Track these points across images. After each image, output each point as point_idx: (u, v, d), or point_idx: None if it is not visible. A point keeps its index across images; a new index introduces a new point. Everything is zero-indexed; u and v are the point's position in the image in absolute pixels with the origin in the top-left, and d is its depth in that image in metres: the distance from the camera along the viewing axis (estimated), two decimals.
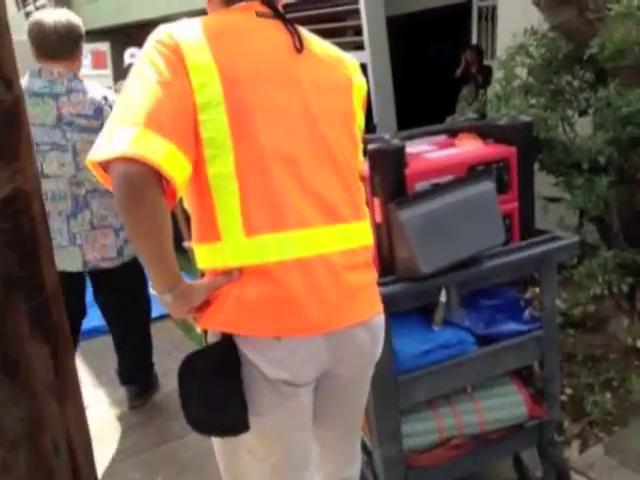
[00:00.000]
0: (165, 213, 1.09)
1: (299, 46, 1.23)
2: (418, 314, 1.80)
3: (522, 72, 2.72)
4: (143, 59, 1.14)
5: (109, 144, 1.05)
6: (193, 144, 1.12)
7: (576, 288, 2.66)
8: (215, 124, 1.13)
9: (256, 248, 1.15)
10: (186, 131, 1.10)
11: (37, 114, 2.25)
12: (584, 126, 2.59)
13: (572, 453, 2.24)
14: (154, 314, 2.93)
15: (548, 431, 1.97)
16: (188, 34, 1.15)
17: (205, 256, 1.21)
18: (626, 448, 2.19)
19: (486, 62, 6.36)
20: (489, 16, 6.96)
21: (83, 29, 2.43)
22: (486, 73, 6.11)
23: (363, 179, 1.41)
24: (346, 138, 1.27)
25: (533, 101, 2.50)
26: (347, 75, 1.32)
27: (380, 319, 1.33)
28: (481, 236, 1.66)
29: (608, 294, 2.59)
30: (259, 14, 1.24)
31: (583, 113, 2.62)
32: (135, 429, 2.70)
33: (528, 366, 1.97)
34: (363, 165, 1.43)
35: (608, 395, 2.43)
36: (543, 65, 2.61)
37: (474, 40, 7.16)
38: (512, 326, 1.87)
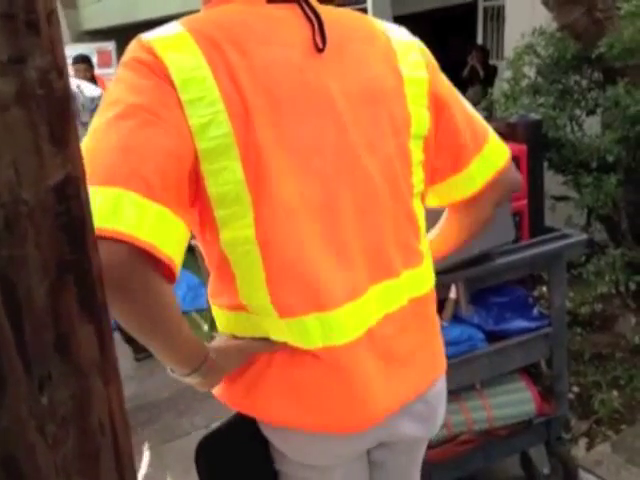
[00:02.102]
0: (165, 299, 0.80)
1: (321, 43, 0.88)
2: None
3: (530, 72, 2.73)
4: (115, 85, 0.83)
5: None
6: (188, 205, 0.83)
7: (583, 287, 2.67)
8: (227, 176, 0.82)
9: (295, 332, 0.89)
10: (178, 187, 0.80)
11: None
12: (592, 125, 2.60)
13: (579, 451, 2.24)
14: None
15: (556, 428, 1.98)
16: (176, 46, 0.81)
17: (231, 323, 0.96)
18: (633, 446, 2.20)
19: (491, 62, 6.37)
20: (494, 16, 6.98)
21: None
22: (491, 73, 6.13)
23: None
24: (396, 159, 0.95)
25: (542, 100, 2.50)
26: (395, 67, 0.95)
27: (440, 385, 1.08)
28: (491, 233, 1.66)
29: (615, 293, 2.60)
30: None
31: (591, 112, 2.63)
32: (144, 425, 2.72)
33: (537, 363, 1.98)
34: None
35: (615, 393, 2.44)
36: (551, 65, 2.62)
37: (479, 40, 7.17)
38: (521, 323, 1.88)
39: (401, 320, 0.97)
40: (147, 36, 0.84)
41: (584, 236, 1.79)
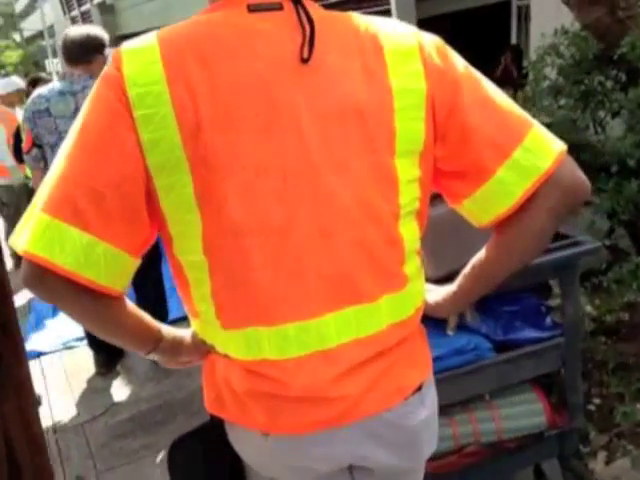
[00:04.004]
0: (94, 312, 0.89)
1: (307, 53, 0.85)
2: (431, 318, 1.77)
3: (552, 73, 2.65)
4: (87, 99, 0.87)
5: (23, 231, 0.84)
6: (142, 224, 0.87)
7: (609, 294, 2.58)
8: (176, 191, 0.84)
9: (235, 344, 0.93)
10: (122, 211, 0.83)
11: (61, 108, 2.74)
12: (616, 128, 2.51)
13: (597, 465, 2.16)
14: (172, 316, 2.98)
15: (570, 442, 1.91)
16: (141, 60, 0.83)
17: (195, 327, 1.03)
18: None
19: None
20: (529, 15, 6.84)
21: (105, 38, 2.90)
22: (525, 73, 6.00)
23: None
24: (371, 180, 0.89)
25: (562, 102, 2.43)
26: (381, 79, 0.89)
27: (418, 412, 1.01)
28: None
29: None
30: (253, 8, 0.87)
31: (616, 114, 2.54)
32: (158, 426, 2.75)
33: (550, 374, 1.92)
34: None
35: (638, 406, 2.34)
36: (573, 65, 2.54)
37: (513, 40, 7.04)
38: (531, 333, 1.82)
39: (374, 345, 0.94)
40: (124, 45, 0.87)
41: (597, 244, 1.73)
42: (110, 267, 0.84)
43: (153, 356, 1.03)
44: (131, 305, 0.95)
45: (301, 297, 0.90)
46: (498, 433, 1.81)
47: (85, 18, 14.44)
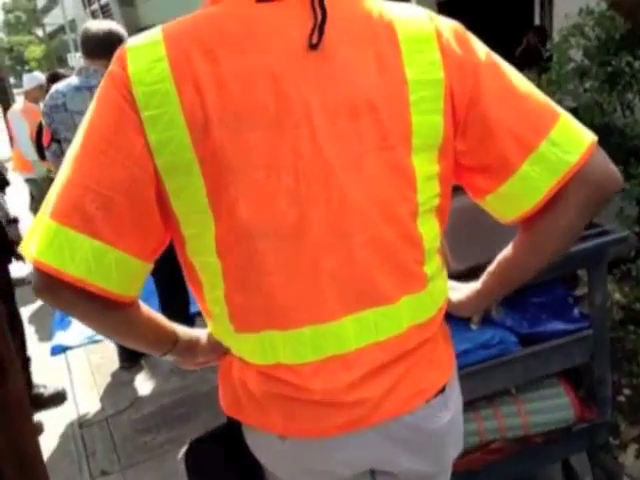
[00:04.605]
0: (109, 320, 0.88)
1: (316, 39, 0.81)
2: None
3: (577, 54, 2.57)
4: (93, 99, 0.84)
5: (31, 238, 0.82)
6: (154, 228, 0.85)
7: (637, 282, 2.51)
8: (188, 193, 0.82)
9: (249, 347, 0.90)
10: (133, 215, 0.81)
11: (77, 104, 2.72)
12: None
13: (628, 458, 2.11)
14: (192, 310, 2.98)
15: (599, 435, 1.86)
16: (146, 57, 0.80)
17: (210, 326, 1.01)
18: None
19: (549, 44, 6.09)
20: None
21: (124, 35, 2.83)
22: (548, 56, 5.84)
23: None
24: (387, 177, 0.85)
25: (587, 85, 2.35)
26: (396, 70, 0.84)
27: (440, 415, 0.97)
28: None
29: None
30: None
31: None
32: (182, 420, 2.76)
33: (578, 366, 1.87)
34: None
35: None
36: (599, 46, 2.45)
37: (536, 21, 6.86)
38: (559, 325, 1.77)
39: (394, 348, 0.91)
40: (129, 43, 0.84)
41: (624, 233, 1.66)
42: (122, 274, 0.82)
43: (169, 357, 1.02)
44: (145, 308, 0.94)
45: (317, 300, 0.86)
46: (525, 428, 1.76)
47: (105, 11, 14.51)
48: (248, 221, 0.82)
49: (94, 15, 15.08)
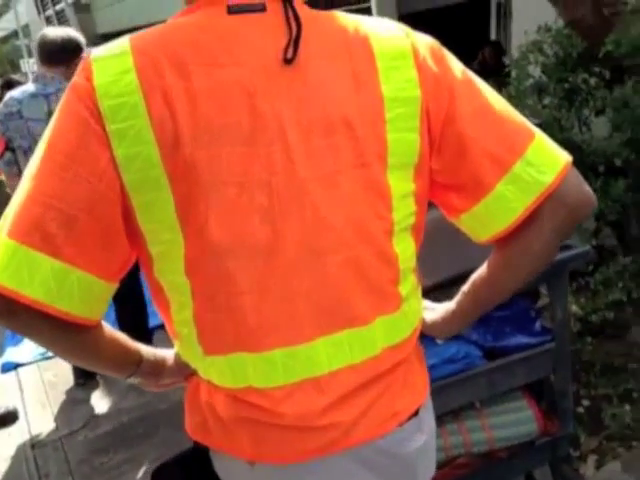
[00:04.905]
0: (82, 346, 0.85)
1: (291, 53, 0.78)
2: None
3: (535, 71, 2.62)
4: (56, 112, 0.80)
5: None
6: (120, 247, 0.81)
7: (594, 294, 2.56)
8: (156, 210, 0.78)
9: (218, 370, 0.87)
10: (97, 234, 0.77)
11: (33, 111, 2.68)
12: (601, 126, 2.48)
13: (588, 469, 2.14)
14: (152, 324, 2.89)
15: (561, 448, 1.88)
16: (113, 69, 0.76)
17: (174, 343, 0.97)
18: None
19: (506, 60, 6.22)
20: (508, 12, 6.82)
21: (83, 42, 2.83)
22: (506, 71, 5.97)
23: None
24: (362, 195, 0.83)
25: (546, 101, 2.40)
26: (372, 87, 0.82)
27: (414, 440, 0.94)
28: (487, 248, 1.58)
29: (627, 301, 2.49)
30: (233, 9, 0.80)
31: (600, 112, 2.51)
32: (140, 439, 2.67)
33: (540, 380, 1.89)
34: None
35: (627, 407, 2.32)
36: (557, 63, 2.51)
37: (493, 36, 7.01)
38: (522, 339, 1.79)
39: (369, 371, 0.88)
40: (94, 53, 0.79)
41: (585, 248, 1.69)
42: (85, 296, 0.78)
43: (133, 380, 0.97)
44: (108, 329, 0.89)
45: (289, 321, 0.83)
46: (489, 442, 1.77)
47: (60, 17, 14.19)
48: (219, 239, 0.79)
49: (49, 21, 14.74)
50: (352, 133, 0.81)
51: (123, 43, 0.79)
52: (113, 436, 2.73)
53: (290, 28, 0.80)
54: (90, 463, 2.58)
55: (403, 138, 0.84)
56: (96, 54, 0.79)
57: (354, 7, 4.32)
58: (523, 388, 1.85)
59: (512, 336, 1.78)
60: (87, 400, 3.06)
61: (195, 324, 0.85)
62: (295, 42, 0.79)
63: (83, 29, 11.62)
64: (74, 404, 3.05)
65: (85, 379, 3.16)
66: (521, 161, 0.84)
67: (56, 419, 2.95)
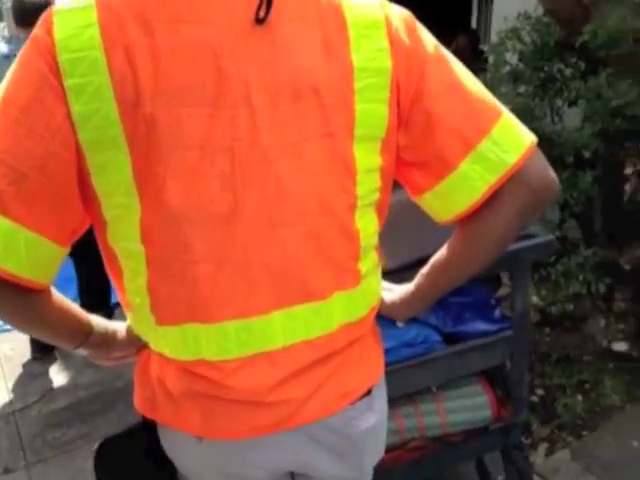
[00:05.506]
0: (28, 311, 0.81)
1: (263, 13, 0.75)
2: None
3: (513, 58, 2.60)
4: (13, 65, 0.77)
5: None
6: (72, 209, 0.78)
7: (555, 285, 2.58)
8: (112, 171, 0.75)
9: (170, 341, 0.84)
10: (48, 193, 0.74)
11: (5, 71, 2.53)
12: (573, 117, 2.48)
13: (538, 457, 2.17)
14: (114, 300, 2.84)
15: (513, 435, 1.89)
16: (75, 22, 0.72)
17: (130, 320, 0.94)
18: (592, 454, 2.13)
19: (484, 47, 6.19)
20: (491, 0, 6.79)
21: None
22: (482, 59, 5.95)
23: None
24: (327, 166, 0.81)
25: (521, 89, 2.38)
26: (342, 55, 0.80)
27: (364, 418, 0.94)
28: (448, 231, 1.56)
29: (587, 293, 2.52)
30: None
31: (573, 103, 2.51)
32: (96, 415, 2.63)
33: (497, 367, 1.89)
34: None
35: (579, 398, 2.37)
36: (535, 51, 2.49)
37: (473, 25, 6.98)
38: (481, 325, 1.78)
39: (324, 347, 0.87)
40: (57, 5, 0.75)
41: (548, 237, 1.68)
42: (33, 258, 0.75)
43: (82, 351, 0.94)
44: (58, 297, 0.85)
45: (245, 293, 0.81)
46: (443, 427, 1.77)
47: None
48: (176, 204, 0.76)
49: None
50: (320, 101, 0.79)
51: None
52: (68, 411, 2.67)
53: None
54: (43, 437, 2.52)
55: (371, 109, 0.82)
56: (59, 6, 0.75)
57: None
58: (479, 374, 1.85)
59: (471, 322, 1.77)
60: (43, 374, 2.98)
61: (148, 293, 0.82)
62: (268, 2, 0.75)
63: None
64: (30, 378, 2.97)
65: (42, 353, 3.05)
66: (486, 139, 0.83)
67: (11, 393, 2.87)
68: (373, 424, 0.95)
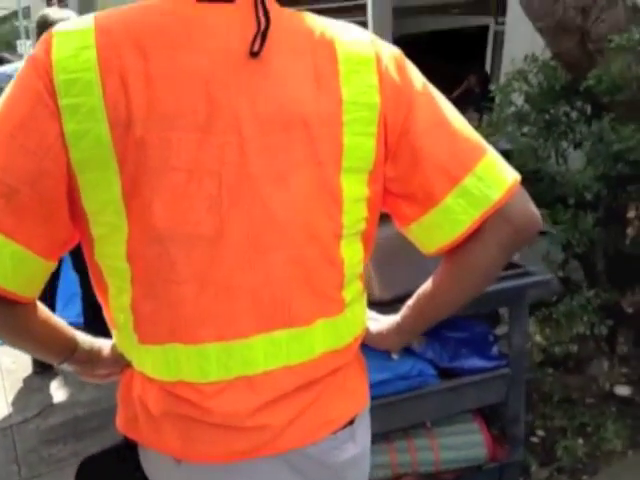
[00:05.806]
0: (12, 324, 0.83)
1: (257, 47, 0.78)
2: None
3: (519, 99, 2.64)
4: (11, 82, 0.79)
5: None
6: (61, 225, 0.79)
7: (558, 325, 2.57)
8: (101, 191, 0.76)
9: (152, 361, 0.84)
10: (38, 208, 0.76)
11: None
12: (577, 160, 2.51)
13: None
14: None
15: (509, 475, 1.88)
16: (73, 44, 0.75)
17: (115, 338, 0.94)
18: None
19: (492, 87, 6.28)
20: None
21: None
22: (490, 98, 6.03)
23: None
24: (314, 195, 0.82)
25: (526, 130, 2.41)
26: (332, 88, 0.82)
27: (346, 449, 0.92)
28: None
29: (590, 334, 2.50)
30: None
31: (578, 146, 2.53)
32: (92, 433, 2.61)
33: (493, 405, 1.88)
34: None
35: (580, 441, 2.32)
36: (541, 93, 2.53)
37: (488, 65, 7.10)
38: (477, 362, 1.79)
39: (305, 374, 0.87)
40: (58, 27, 0.78)
41: (548, 276, 1.70)
42: (19, 271, 0.76)
43: (66, 367, 0.95)
44: (43, 310, 0.87)
45: (227, 315, 0.81)
46: (436, 464, 1.76)
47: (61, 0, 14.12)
48: (162, 225, 0.77)
49: (49, 3, 14.66)
50: (309, 132, 0.81)
51: (88, 20, 0.78)
52: (65, 428, 2.66)
53: (259, 22, 0.79)
54: (38, 453, 2.52)
55: (359, 142, 0.84)
56: (59, 28, 0.78)
57: (351, 3, 4.30)
58: (475, 412, 1.85)
59: (468, 358, 1.77)
60: (44, 389, 2.98)
61: (132, 311, 0.83)
62: (263, 35, 0.78)
63: (83, 11, 11.53)
64: (30, 392, 2.98)
65: (43, 368, 3.08)
66: (471, 175, 0.85)
67: (10, 406, 2.88)
68: (353, 455, 0.94)
